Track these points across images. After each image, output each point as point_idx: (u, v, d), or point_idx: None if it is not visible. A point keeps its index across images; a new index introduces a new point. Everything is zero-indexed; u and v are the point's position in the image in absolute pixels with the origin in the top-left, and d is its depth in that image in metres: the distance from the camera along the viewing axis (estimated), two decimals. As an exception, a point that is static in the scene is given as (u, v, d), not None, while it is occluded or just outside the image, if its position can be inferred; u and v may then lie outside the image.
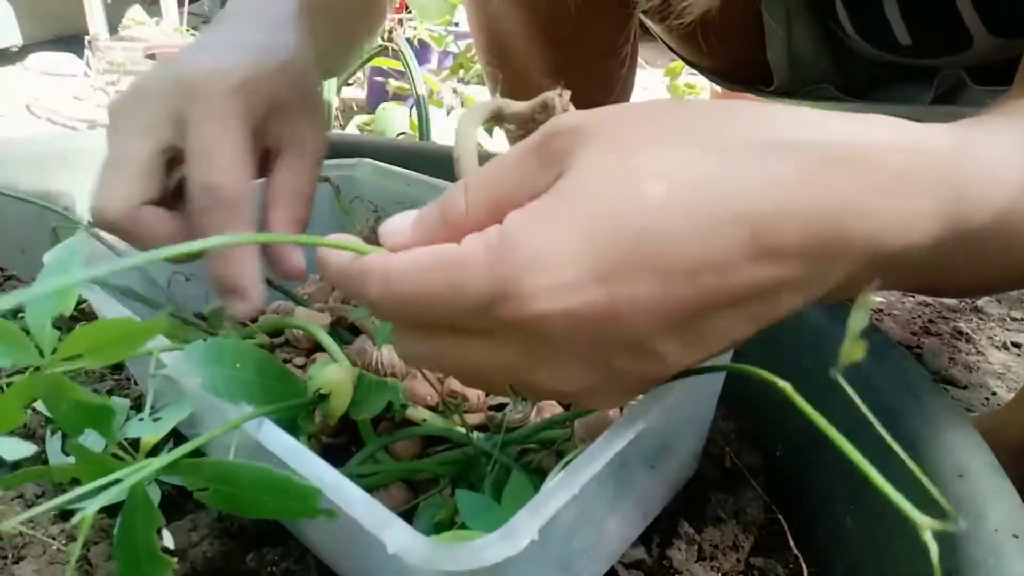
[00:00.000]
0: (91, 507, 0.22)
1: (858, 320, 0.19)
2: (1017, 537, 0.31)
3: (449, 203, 0.25)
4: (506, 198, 0.24)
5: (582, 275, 0.21)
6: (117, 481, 0.24)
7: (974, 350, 0.89)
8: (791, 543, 0.43)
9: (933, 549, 0.17)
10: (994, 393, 0.81)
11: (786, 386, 0.23)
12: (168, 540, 0.41)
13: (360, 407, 0.36)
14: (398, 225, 0.26)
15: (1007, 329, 0.94)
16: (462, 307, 0.22)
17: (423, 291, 0.23)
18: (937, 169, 0.24)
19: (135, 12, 2.24)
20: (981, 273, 0.29)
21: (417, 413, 0.41)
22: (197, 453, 0.27)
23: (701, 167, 0.22)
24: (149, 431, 0.27)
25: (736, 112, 0.23)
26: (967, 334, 0.91)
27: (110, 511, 0.42)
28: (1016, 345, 0.90)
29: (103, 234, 0.48)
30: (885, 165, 0.23)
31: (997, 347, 0.90)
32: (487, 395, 0.45)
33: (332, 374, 0.35)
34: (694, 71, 0.76)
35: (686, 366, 0.25)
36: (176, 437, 0.49)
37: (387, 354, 0.47)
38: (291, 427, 0.35)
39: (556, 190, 0.23)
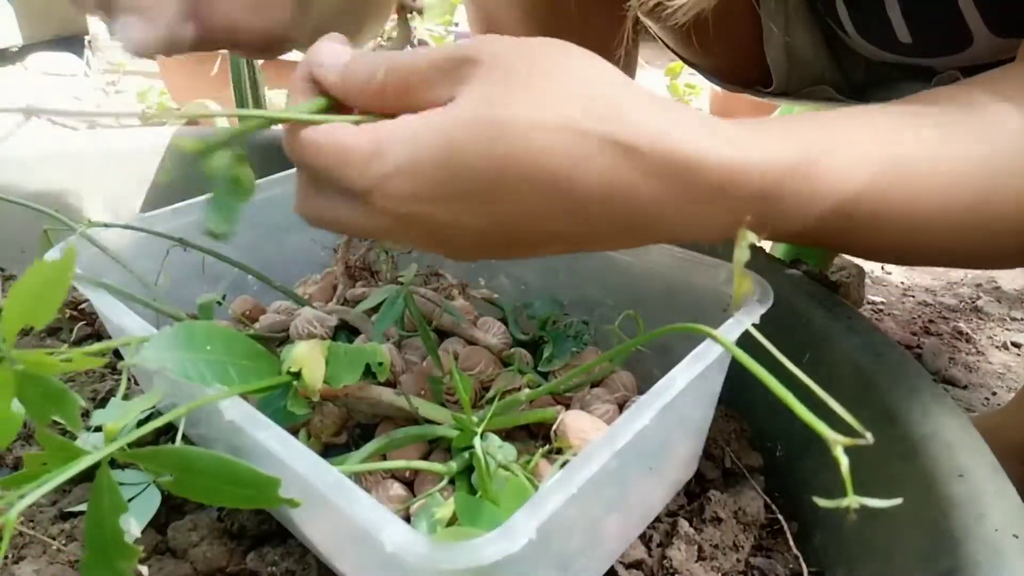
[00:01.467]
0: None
1: (740, 255, 0.22)
2: (1017, 537, 0.31)
3: (372, 73, 0.30)
4: (411, 90, 0.29)
5: (428, 193, 0.28)
6: (89, 468, 0.24)
7: (974, 350, 0.89)
8: (791, 543, 0.43)
9: (844, 462, 0.19)
10: (994, 393, 0.81)
11: (726, 340, 0.26)
12: (169, 540, 0.41)
13: (337, 377, 0.36)
14: (331, 59, 0.31)
15: (1007, 329, 0.94)
16: (344, 184, 0.29)
17: (317, 162, 0.29)
18: (751, 191, 0.29)
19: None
20: (872, 251, 0.38)
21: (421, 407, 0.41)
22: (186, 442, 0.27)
23: (549, 145, 0.27)
24: (113, 417, 0.27)
25: (614, 104, 0.28)
26: (967, 334, 0.91)
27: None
28: (1016, 345, 0.90)
29: (97, 237, 0.48)
30: (705, 185, 0.29)
31: (997, 347, 0.90)
32: (482, 392, 0.45)
33: (300, 350, 0.36)
34: (694, 71, 0.76)
35: (506, 257, 0.33)
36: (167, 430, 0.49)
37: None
38: (284, 414, 0.35)
39: (434, 118, 0.28)
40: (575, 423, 0.40)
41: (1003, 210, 0.33)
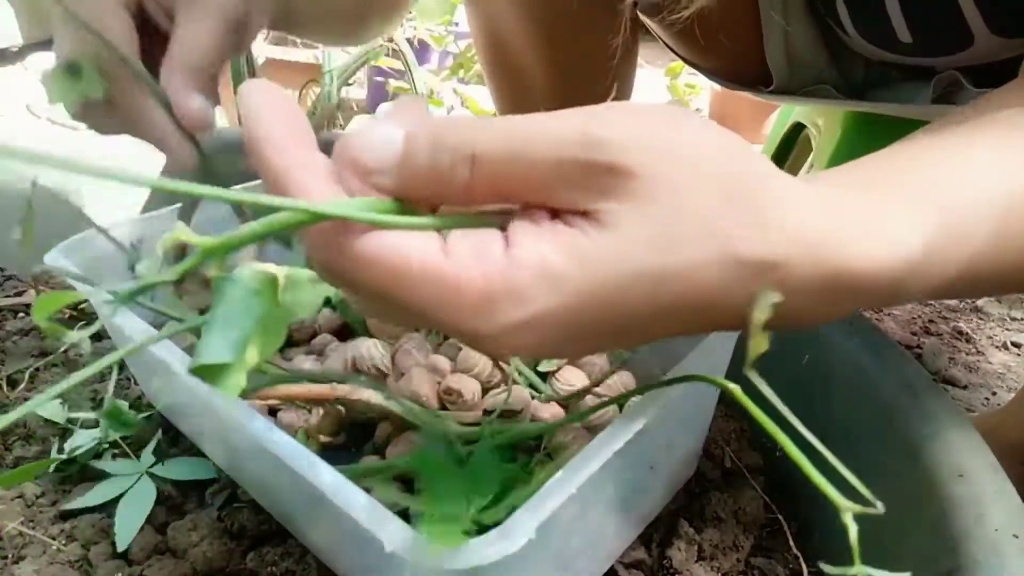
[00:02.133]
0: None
1: (760, 313, 0.21)
2: (1017, 537, 0.31)
3: (450, 171, 0.22)
4: (520, 193, 0.23)
5: (560, 338, 0.23)
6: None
7: (974, 350, 0.89)
8: (791, 543, 0.43)
9: (852, 531, 0.19)
10: (994, 393, 0.81)
11: (735, 388, 0.25)
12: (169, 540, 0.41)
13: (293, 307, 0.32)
14: (376, 156, 0.23)
15: (1007, 329, 0.94)
16: (439, 324, 0.22)
17: (406, 296, 0.22)
18: (881, 294, 0.26)
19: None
20: (994, 290, 0.33)
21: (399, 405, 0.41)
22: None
23: (708, 282, 0.22)
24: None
25: (760, 205, 0.23)
26: (967, 334, 0.91)
27: (110, 511, 0.42)
28: (1016, 345, 0.90)
29: (111, 232, 0.48)
30: (841, 293, 0.25)
31: (997, 347, 0.90)
32: (483, 394, 0.45)
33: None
34: (694, 71, 0.76)
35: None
36: (167, 429, 0.49)
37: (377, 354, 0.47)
38: None
39: (581, 251, 0.22)
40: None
41: None
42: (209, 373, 0.20)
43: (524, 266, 0.21)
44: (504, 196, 0.23)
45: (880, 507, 0.18)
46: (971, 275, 0.28)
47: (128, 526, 0.41)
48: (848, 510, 0.19)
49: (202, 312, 0.41)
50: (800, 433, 0.22)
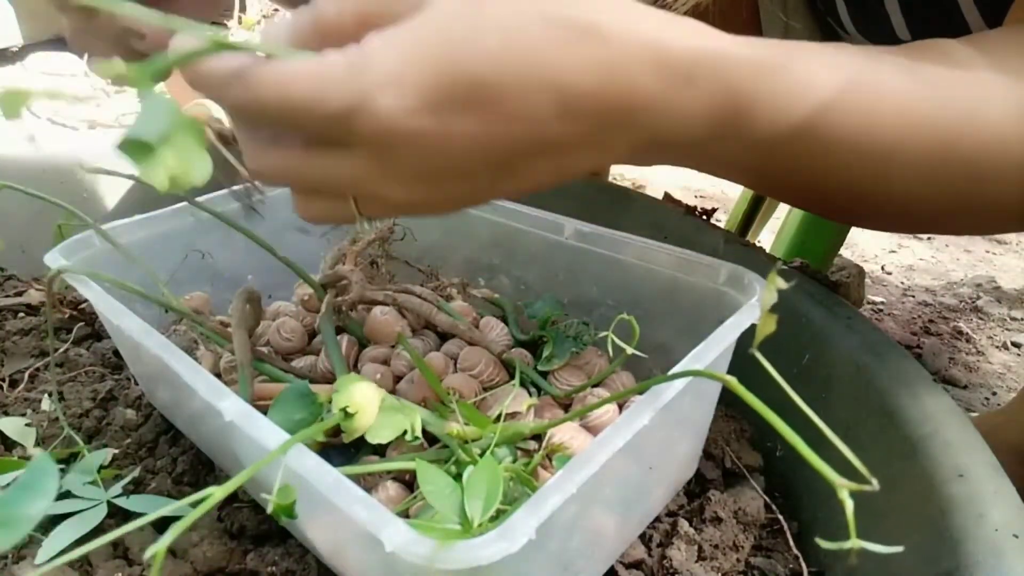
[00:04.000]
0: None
1: (768, 297, 0.21)
2: (1017, 537, 0.31)
3: (323, 9, 0.27)
4: (372, 16, 0.27)
5: (424, 102, 0.25)
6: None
7: (974, 350, 0.89)
8: (791, 543, 0.43)
9: (849, 507, 0.19)
10: (994, 393, 0.81)
11: (731, 379, 0.25)
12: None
13: (377, 431, 0.35)
14: (274, 30, 0.28)
15: (1007, 329, 0.94)
16: (321, 116, 0.25)
17: (286, 98, 0.25)
18: (726, 76, 0.28)
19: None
20: (821, 179, 0.34)
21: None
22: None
23: (533, 35, 0.25)
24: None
25: None
26: (967, 334, 0.91)
27: (109, 513, 0.42)
28: (1016, 345, 0.90)
29: (111, 230, 0.48)
30: (679, 65, 0.27)
31: (997, 347, 0.90)
32: (480, 391, 0.45)
33: (362, 392, 0.34)
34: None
35: (502, 195, 0.31)
36: (166, 429, 0.49)
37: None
38: (293, 427, 0.35)
39: (413, 21, 0.25)
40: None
41: (975, 155, 0.32)
42: (134, 149, 0.24)
43: (374, 40, 0.25)
44: (362, 23, 0.26)
45: (875, 484, 0.19)
46: (810, 131, 0.31)
47: (55, 542, 0.39)
48: (843, 487, 0.19)
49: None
50: (797, 422, 0.22)
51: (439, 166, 0.27)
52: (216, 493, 0.23)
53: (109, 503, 0.42)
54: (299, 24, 0.28)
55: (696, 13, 0.49)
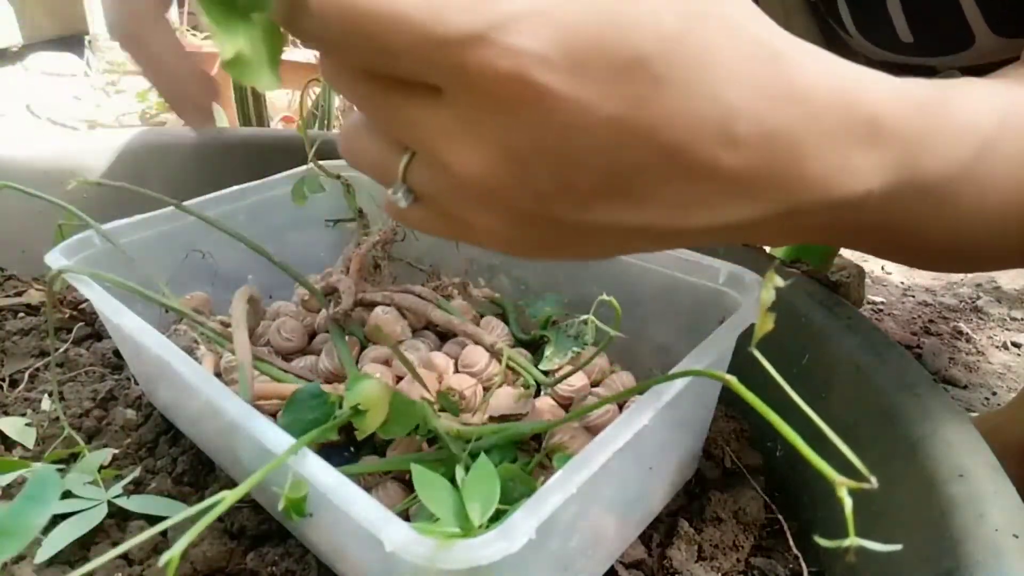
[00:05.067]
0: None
1: (766, 295, 0.20)
2: (1017, 537, 0.31)
3: None
4: None
5: (566, 55, 0.19)
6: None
7: (974, 350, 0.89)
8: (791, 543, 0.43)
9: (848, 505, 0.18)
10: (994, 393, 0.81)
11: (731, 379, 0.25)
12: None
13: (389, 427, 0.35)
14: None
15: (1007, 329, 0.94)
16: (434, 39, 0.19)
17: (392, 12, 0.19)
18: (899, 120, 0.24)
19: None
20: (955, 229, 0.29)
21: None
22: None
23: (719, 39, 0.21)
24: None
25: (759, 12, 0.22)
26: (967, 334, 0.91)
27: (109, 513, 0.42)
28: (1016, 345, 0.90)
29: (109, 232, 0.48)
30: (866, 122, 0.23)
31: (997, 347, 0.90)
32: (482, 393, 0.45)
33: (372, 389, 0.34)
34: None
35: (591, 223, 0.23)
36: (166, 429, 0.49)
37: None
38: (304, 428, 0.35)
39: None
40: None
41: None
42: (240, 67, 0.20)
43: None
44: None
45: (874, 482, 0.19)
46: (969, 173, 0.26)
47: (54, 542, 0.39)
48: (842, 484, 0.19)
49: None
50: (797, 421, 0.22)
51: (546, 145, 0.21)
52: (228, 498, 0.23)
53: (109, 503, 0.42)
54: None
55: None
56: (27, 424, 0.49)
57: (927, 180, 0.26)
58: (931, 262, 0.35)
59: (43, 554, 0.38)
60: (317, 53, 0.22)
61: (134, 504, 0.42)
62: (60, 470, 0.44)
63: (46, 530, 0.40)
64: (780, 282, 0.20)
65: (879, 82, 0.24)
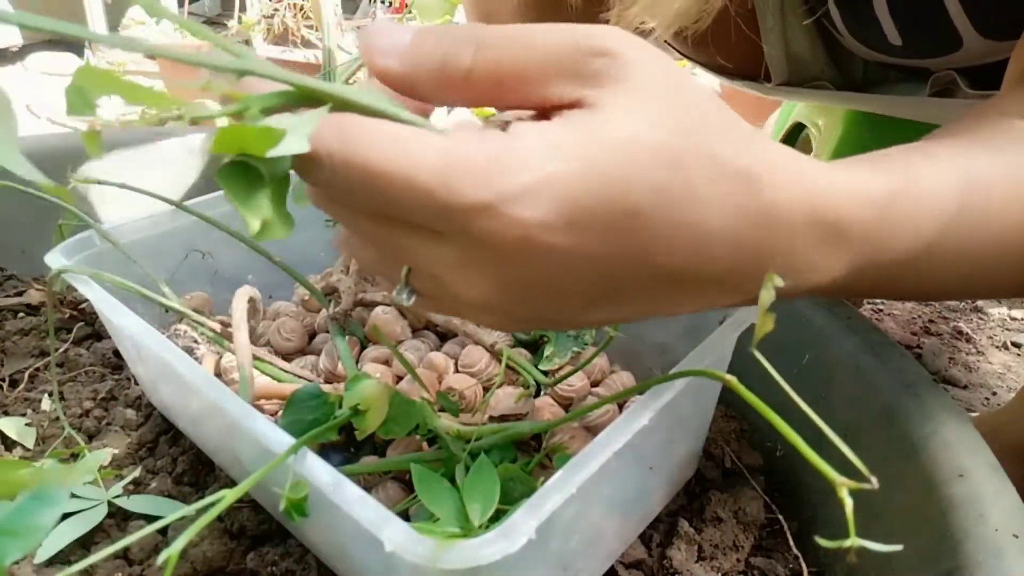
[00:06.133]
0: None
1: (766, 296, 0.21)
2: (1017, 537, 0.31)
3: (454, 53, 0.23)
4: (517, 78, 0.23)
5: (565, 219, 0.22)
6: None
7: (974, 350, 0.89)
8: (791, 543, 0.43)
9: (848, 505, 0.19)
10: (994, 393, 0.81)
11: (732, 379, 0.25)
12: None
13: (389, 427, 0.35)
14: (389, 41, 0.23)
15: (1007, 329, 0.94)
16: (444, 205, 0.21)
17: (409, 181, 0.21)
18: (859, 222, 0.27)
19: (135, 12, 2.24)
20: (926, 290, 0.33)
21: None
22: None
23: (700, 177, 0.23)
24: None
25: (742, 139, 0.24)
26: (967, 334, 0.91)
27: (109, 513, 0.42)
28: (1016, 345, 0.90)
29: (108, 231, 0.48)
30: (833, 226, 0.26)
31: (997, 347, 0.90)
32: (481, 393, 0.45)
33: (371, 389, 0.34)
34: (695, 68, 0.76)
35: (582, 324, 0.28)
36: (166, 429, 0.49)
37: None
38: (304, 429, 0.35)
39: (579, 124, 0.22)
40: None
41: None
42: (233, 183, 0.21)
43: (527, 136, 0.22)
44: (499, 85, 0.23)
45: (874, 482, 0.19)
46: (929, 250, 0.29)
47: (54, 541, 0.39)
48: (843, 485, 0.19)
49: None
50: (797, 421, 0.22)
51: (541, 280, 0.24)
52: (228, 497, 0.23)
53: (109, 503, 0.42)
54: (421, 55, 0.23)
55: (683, 30, 0.49)
56: (27, 424, 0.49)
57: (890, 263, 0.29)
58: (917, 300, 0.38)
59: (43, 554, 0.38)
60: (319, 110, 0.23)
61: (134, 504, 0.42)
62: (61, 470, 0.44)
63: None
64: (779, 282, 0.21)
65: (839, 185, 0.26)
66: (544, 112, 0.24)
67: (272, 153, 0.19)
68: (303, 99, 0.22)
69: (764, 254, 0.25)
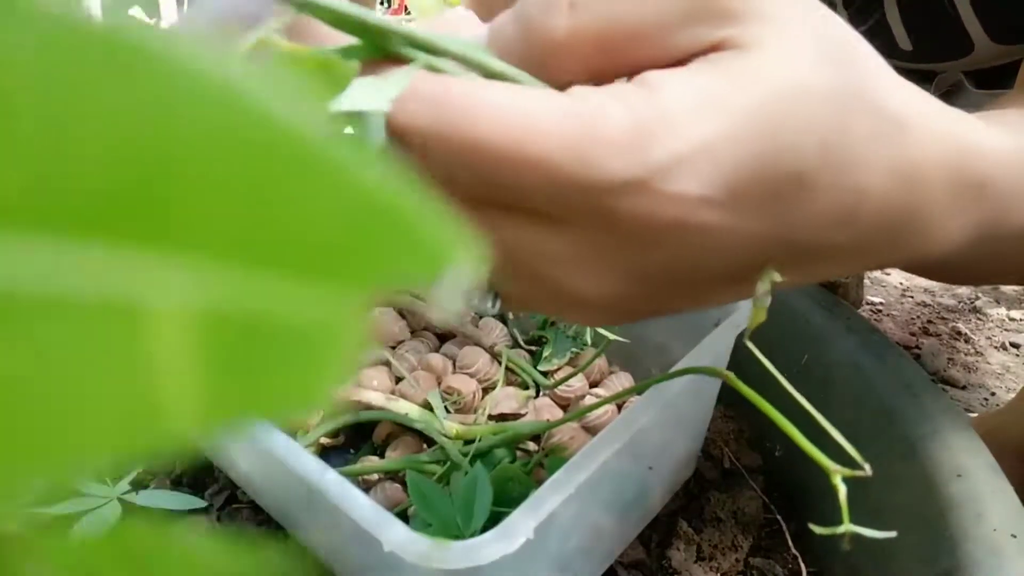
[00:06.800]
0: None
1: (763, 288, 0.19)
2: (1016, 537, 0.31)
3: (542, 13, 0.18)
4: (627, 34, 0.18)
5: (729, 193, 0.18)
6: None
7: (973, 350, 0.89)
8: (790, 543, 0.43)
9: (842, 492, 0.19)
10: (993, 393, 0.81)
11: (729, 374, 0.25)
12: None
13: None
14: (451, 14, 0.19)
15: (1006, 329, 0.94)
16: (581, 185, 0.17)
17: (534, 151, 0.16)
18: (1001, 182, 0.24)
19: (135, 12, 2.25)
20: (1004, 267, 0.29)
21: (399, 406, 0.41)
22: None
23: (860, 127, 0.19)
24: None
25: (885, 68, 0.22)
26: (966, 334, 0.91)
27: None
28: (1015, 345, 0.90)
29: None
30: (974, 180, 0.23)
31: (996, 347, 0.90)
32: (481, 394, 0.45)
33: None
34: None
35: (708, 305, 0.23)
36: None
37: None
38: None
39: (731, 69, 0.17)
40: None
41: None
42: None
43: (671, 89, 0.17)
44: (607, 49, 0.18)
45: (868, 469, 0.18)
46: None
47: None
48: (836, 472, 0.19)
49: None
50: (795, 420, 0.22)
51: (685, 266, 0.19)
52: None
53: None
54: (500, 34, 0.19)
55: None
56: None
57: (1012, 229, 0.25)
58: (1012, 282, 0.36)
59: None
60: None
61: (143, 499, 0.42)
62: None
63: (62, 531, 0.40)
64: (777, 277, 0.20)
65: (986, 142, 0.23)
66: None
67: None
68: (376, 52, 0.17)
69: (906, 215, 0.21)
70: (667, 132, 0.17)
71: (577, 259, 0.19)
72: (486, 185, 0.18)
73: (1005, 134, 0.25)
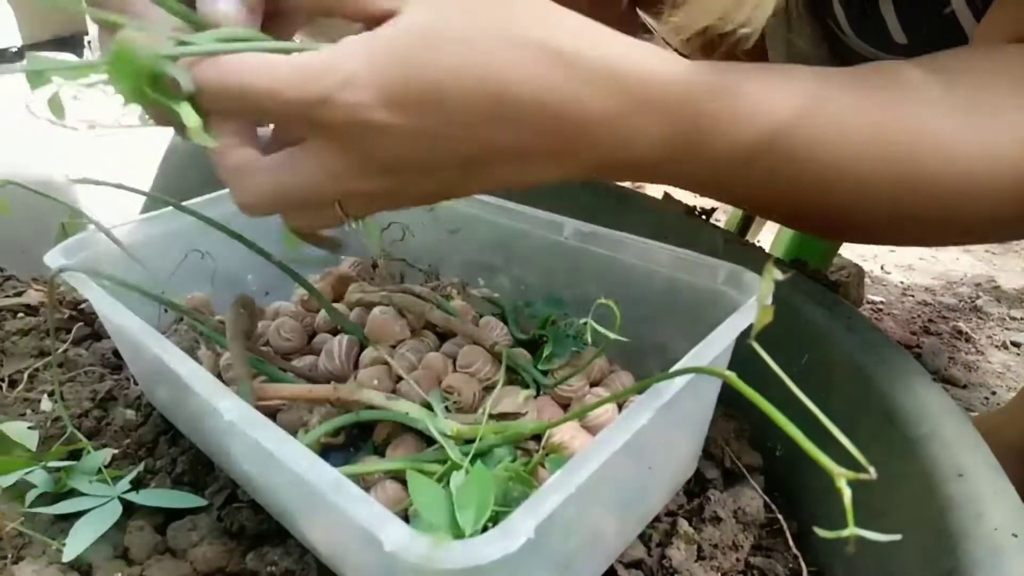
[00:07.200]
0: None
1: (765, 288, 0.22)
2: (1016, 536, 0.31)
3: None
4: (329, 6, 0.30)
5: (382, 99, 0.28)
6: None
7: (974, 350, 0.89)
8: (791, 543, 0.43)
9: (847, 495, 0.19)
10: (994, 393, 0.81)
11: (730, 374, 0.25)
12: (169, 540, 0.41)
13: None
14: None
15: (1007, 329, 0.94)
16: (296, 101, 0.27)
17: (271, 82, 0.27)
18: (684, 100, 0.31)
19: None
20: (773, 190, 0.36)
21: (399, 406, 0.41)
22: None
23: (491, 50, 0.28)
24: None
25: (543, 16, 0.30)
26: (967, 334, 0.91)
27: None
28: (1016, 345, 0.90)
29: (112, 230, 0.48)
30: (635, 89, 0.30)
31: (997, 347, 0.90)
32: (481, 393, 0.45)
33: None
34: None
35: (471, 191, 0.33)
36: (166, 429, 0.50)
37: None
38: None
39: (387, 26, 0.28)
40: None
41: (920, 171, 0.34)
42: (196, 136, 0.28)
43: (349, 43, 0.28)
44: (327, 9, 0.30)
45: (872, 472, 0.19)
46: (764, 149, 0.33)
47: (78, 540, 0.39)
48: (840, 475, 0.19)
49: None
50: (795, 420, 0.22)
51: (403, 158, 0.30)
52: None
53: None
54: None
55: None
56: (30, 427, 0.49)
57: (719, 150, 0.32)
58: (810, 227, 0.42)
59: (70, 553, 0.38)
60: None
61: (143, 498, 0.42)
62: (64, 468, 0.44)
63: (64, 530, 0.40)
64: (779, 275, 0.21)
65: (643, 61, 0.30)
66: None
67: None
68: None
69: (584, 122, 0.29)
70: (339, 64, 0.27)
71: (342, 167, 0.30)
72: (250, 111, 0.30)
73: (718, 71, 0.32)
